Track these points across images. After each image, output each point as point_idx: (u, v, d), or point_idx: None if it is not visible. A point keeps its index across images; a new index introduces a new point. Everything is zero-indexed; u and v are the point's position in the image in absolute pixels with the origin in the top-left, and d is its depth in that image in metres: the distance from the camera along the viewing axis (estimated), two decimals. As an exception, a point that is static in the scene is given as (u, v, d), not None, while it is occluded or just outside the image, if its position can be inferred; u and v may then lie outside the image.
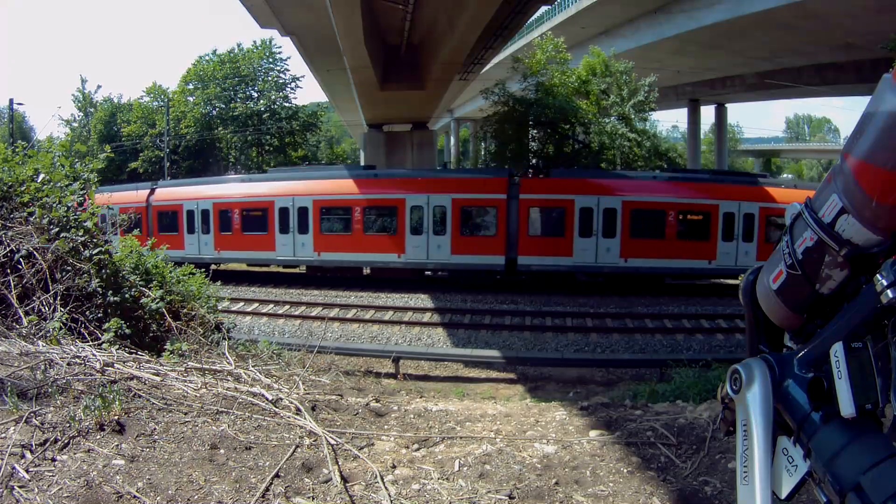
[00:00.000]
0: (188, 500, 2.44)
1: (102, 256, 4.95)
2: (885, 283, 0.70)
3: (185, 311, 5.71)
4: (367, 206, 19.09)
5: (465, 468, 3.05)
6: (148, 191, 21.67)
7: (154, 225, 20.72)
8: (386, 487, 2.72)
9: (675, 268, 18.10)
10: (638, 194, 18.06)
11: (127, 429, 2.89)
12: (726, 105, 41.29)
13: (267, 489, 2.59)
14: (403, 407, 4.16)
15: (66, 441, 2.65)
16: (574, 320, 15.55)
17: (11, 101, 32.83)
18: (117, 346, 4.22)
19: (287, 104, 38.45)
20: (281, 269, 20.89)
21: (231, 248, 20.17)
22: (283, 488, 2.62)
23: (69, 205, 5.08)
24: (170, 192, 21.60)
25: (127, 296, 4.97)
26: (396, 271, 19.23)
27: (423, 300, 17.33)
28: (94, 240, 5.06)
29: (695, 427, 3.61)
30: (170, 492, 2.45)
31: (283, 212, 19.42)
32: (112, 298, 4.78)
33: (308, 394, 4.12)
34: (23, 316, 4.19)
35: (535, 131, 25.69)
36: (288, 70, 38.61)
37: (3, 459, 2.37)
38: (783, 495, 0.81)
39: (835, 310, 0.80)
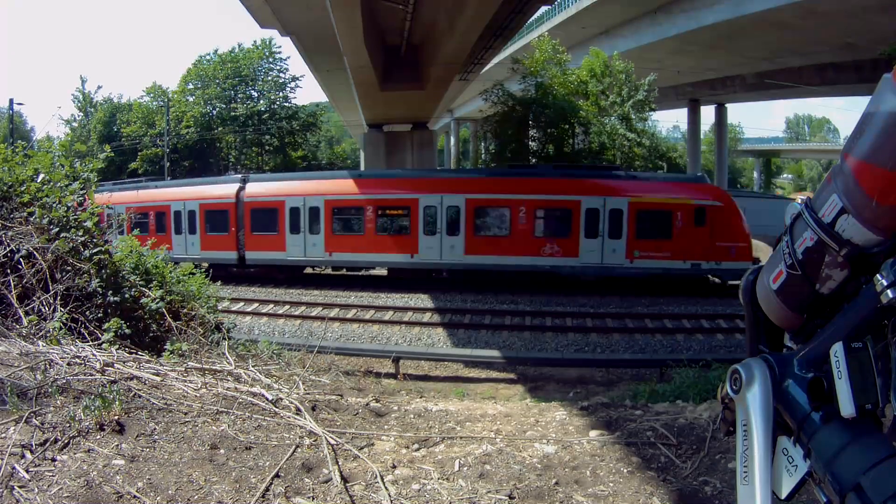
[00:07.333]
0: (188, 500, 2.43)
1: (102, 256, 4.95)
2: (885, 283, 0.70)
3: (185, 311, 5.71)
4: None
5: (465, 468, 3.05)
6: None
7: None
8: (386, 487, 2.72)
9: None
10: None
11: (127, 429, 2.89)
12: (726, 105, 41.29)
13: (267, 489, 2.59)
14: (403, 407, 4.16)
15: (66, 441, 2.65)
16: (574, 320, 15.53)
17: (11, 101, 32.89)
18: (117, 346, 4.22)
19: (287, 104, 38.45)
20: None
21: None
22: (283, 488, 2.62)
23: (69, 205, 5.08)
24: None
25: (127, 296, 4.97)
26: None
27: (423, 300, 17.32)
28: (94, 240, 5.06)
29: (695, 427, 3.61)
30: (170, 492, 2.45)
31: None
32: (112, 298, 4.78)
33: (308, 394, 4.12)
34: (23, 316, 4.19)
35: (534, 131, 25.70)
36: (287, 70, 38.67)
37: (3, 459, 2.37)
38: (783, 495, 0.80)
39: (835, 310, 0.80)
